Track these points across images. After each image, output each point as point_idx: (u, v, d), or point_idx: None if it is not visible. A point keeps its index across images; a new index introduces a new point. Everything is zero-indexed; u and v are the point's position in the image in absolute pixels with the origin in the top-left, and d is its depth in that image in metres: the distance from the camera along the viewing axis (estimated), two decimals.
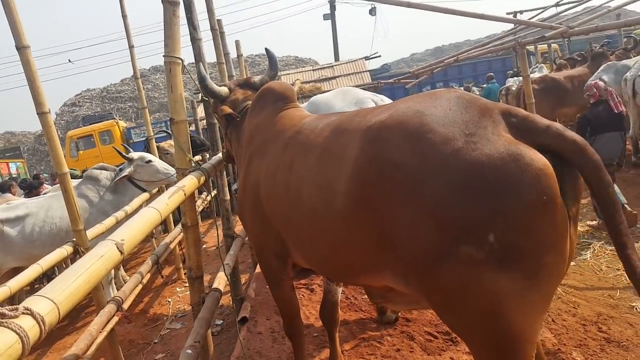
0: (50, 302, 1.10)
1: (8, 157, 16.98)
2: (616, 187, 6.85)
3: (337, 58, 16.97)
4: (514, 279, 1.36)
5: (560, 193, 1.38)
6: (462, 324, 1.56)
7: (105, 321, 3.20)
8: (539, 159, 1.37)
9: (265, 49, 3.02)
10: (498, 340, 1.45)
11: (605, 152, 5.12)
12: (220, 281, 3.03)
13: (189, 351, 2.23)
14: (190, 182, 2.33)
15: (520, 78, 10.11)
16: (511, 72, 11.77)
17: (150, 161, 4.88)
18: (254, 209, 2.34)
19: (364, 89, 9.89)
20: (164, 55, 2.47)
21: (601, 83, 5.50)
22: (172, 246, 5.10)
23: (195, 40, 3.61)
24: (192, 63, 3.19)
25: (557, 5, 10.95)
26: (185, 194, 2.18)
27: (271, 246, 2.32)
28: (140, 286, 4.21)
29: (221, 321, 4.12)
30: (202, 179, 2.57)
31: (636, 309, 3.81)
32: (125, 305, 3.65)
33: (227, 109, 2.72)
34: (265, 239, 2.35)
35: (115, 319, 3.40)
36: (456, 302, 1.49)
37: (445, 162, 1.43)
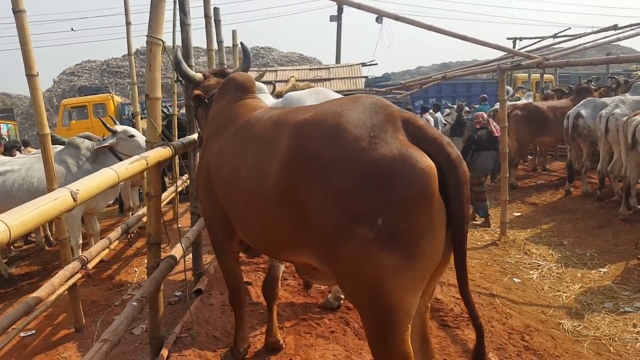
0: (3, 225, 1.36)
1: (0, 118, 17.04)
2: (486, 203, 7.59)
3: (338, 60, 17.25)
4: (394, 257, 1.67)
5: (444, 192, 1.70)
6: (354, 293, 1.88)
7: (68, 275, 3.44)
8: (423, 161, 1.67)
9: (241, 43, 3.29)
10: (379, 308, 1.76)
11: (484, 165, 7.07)
12: (177, 251, 3.28)
13: (135, 304, 2.49)
14: (154, 154, 2.58)
15: (516, 101, 10.49)
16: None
17: (132, 136, 5.11)
18: (205, 186, 2.61)
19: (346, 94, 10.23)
20: (146, 36, 2.72)
21: (484, 114, 7.30)
22: (144, 219, 5.34)
23: (184, 25, 3.87)
24: (198, 47, 3.41)
25: (554, 37, 11.33)
26: (147, 164, 2.44)
27: (217, 220, 2.59)
28: (107, 250, 4.45)
29: (180, 293, 4.37)
30: (168, 153, 2.83)
31: (562, 326, 4.12)
32: (90, 265, 3.90)
33: (196, 92, 2.99)
34: (212, 212, 2.63)
35: (78, 275, 3.65)
36: (351, 274, 1.80)
37: (351, 157, 1.74)
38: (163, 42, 2.84)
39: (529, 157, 11.06)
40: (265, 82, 10.47)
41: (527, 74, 14.24)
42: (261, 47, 35.74)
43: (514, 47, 12.03)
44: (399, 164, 1.66)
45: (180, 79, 3.11)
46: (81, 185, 1.83)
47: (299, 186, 1.87)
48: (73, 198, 1.73)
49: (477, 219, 7.56)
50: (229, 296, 2.93)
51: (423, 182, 1.65)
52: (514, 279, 5.25)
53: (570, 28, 11.86)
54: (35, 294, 3.03)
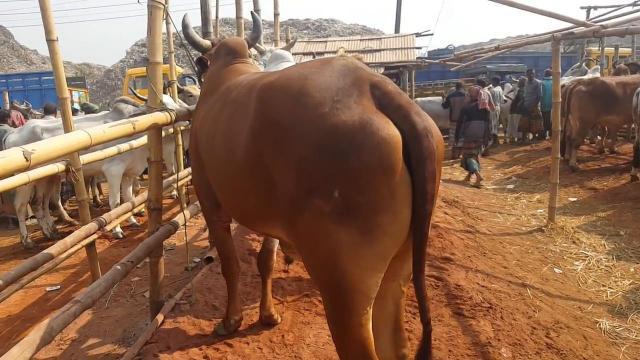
0: None
1: (73, 85, 18.10)
2: (474, 161, 8.60)
3: (397, 31, 16.57)
4: (351, 233, 1.52)
5: (411, 163, 1.51)
6: (312, 270, 1.75)
7: (83, 236, 3.52)
8: (384, 129, 1.49)
9: (251, 12, 3.13)
10: (334, 286, 1.63)
11: (474, 132, 8.56)
12: (180, 218, 3.26)
13: (118, 267, 2.48)
14: (145, 119, 2.52)
15: (582, 76, 9.58)
16: (571, 70, 11.11)
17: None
18: (194, 152, 2.53)
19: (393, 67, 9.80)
20: None
21: (476, 88, 8.83)
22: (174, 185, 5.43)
23: None
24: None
25: (634, 4, 10.09)
26: (134, 128, 2.37)
27: (203, 188, 2.51)
28: (130, 214, 4.55)
29: (198, 259, 4.41)
30: (166, 119, 2.76)
31: (599, 325, 3.72)
32: (109, 227, 4.00)
33: (201, 56, 2.88)
34: (200, 181, 2.55)
35: (95, 236, 3.75)
36: (308, 249, 1.68)
37: (311, 123, 1.58)
38: (164, 5, 2.74)
39: (598, 137, 10.13)
40: (305, 54, 10.30)
41: (599, 47, 12.91)
42: (324, 20, 35.31)
43: (587, 17, 10.90)
44: (359, 131, 1.49)
45: (184, 44, 3.01)
46: (40, 146, 1.79)
47: (264, 153, 1.76)
48: (25, 158, 1.69)
49: (470, 179, 8.86)
50: (221, 265, 2.88)
51: (382, 151, 1.47)
52: (555, 269, 4.82)
53: None
54: (46, 251, 3.14)
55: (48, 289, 4.16)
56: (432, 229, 5.08)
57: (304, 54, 9.97)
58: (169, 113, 2.78)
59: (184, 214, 3.24)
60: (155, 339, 2.84)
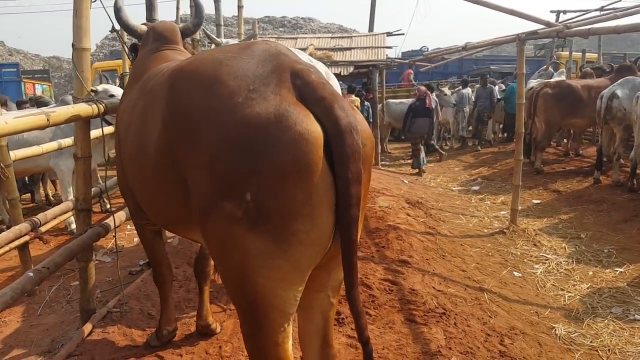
0: None
1: (37, 78, 17.45)
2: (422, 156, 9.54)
3: (371, 30, 16.48)
4: (263, 241, 1.35)
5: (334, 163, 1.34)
6: (224, 280, 1.57)
7: (12, 237, 3.25)
8: (302, 124, 1.31)
9: None
10: (246, 301, 1.46)
11: (419, 129, 9.37)
12: (118, 218, 3.03)
13: (31, 274, 2.25)
14: (63, 110, 2.29)
15: (548, 79, 9.64)
16: (538, 73, 11.21)
17: (113, 95, 4.87)
18: (116, 149, 2.31)
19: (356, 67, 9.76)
20: None
21: (423, 88, 9.74)
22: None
23: None
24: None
25: (601, 9, 10.24)
26: (47, 120, 2.15)
27: (126, 189, 2.29)
28: (69, 213, 4.27)
29: (143, 262, 4.16)
30: (92, 111, 2.53)
31: (555, 331, 3.65)
32: (44, 229, 3.72)
33: (134, 43, 2.66)
34: (121, 181, 2.33)
35: (27, 237, 3.47)
36: (220, 259, 1.51)
37: (222, 115, 1.40)
38: None
39: (564, 140, 10.23)
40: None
41: (567, 52, 13.09)
42: (301, 18, 35.14)
43: (556, 20, 11.00)
44: (273, 125, 1.31)
45: (116, 29, 2.79)
46: None
47: (176, 149, 1.55)
48: None
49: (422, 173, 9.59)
50: (152, 273, 2.67)
51: (298, 149, 1.29)
52: (514, 272, 4.76)
53: None
54: None
55: None
56: (392, 231, 4.97)
57: None
58: (97, 105, 2.55)
59: (113, 217, 2.99)
60: (79, 351, 2.62)
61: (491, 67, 16.46)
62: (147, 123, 1.76)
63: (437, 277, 4.04)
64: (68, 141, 4.28)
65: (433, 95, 10.11)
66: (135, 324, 2.91)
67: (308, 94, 1.38)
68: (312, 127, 1.32)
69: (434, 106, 9.60)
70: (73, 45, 2.54)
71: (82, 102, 2.53)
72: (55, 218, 3.89)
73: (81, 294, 2.89)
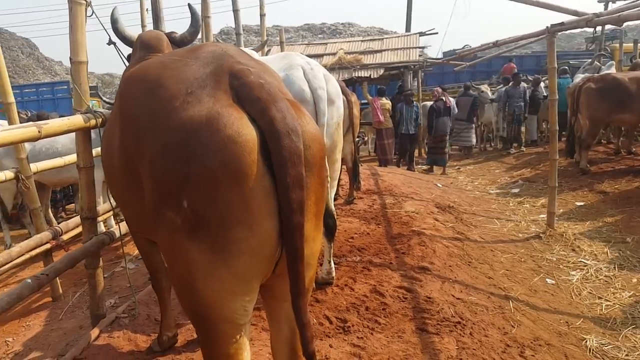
0: None
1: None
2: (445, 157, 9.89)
3: (408, 31, 16.24)
4: (202, 251, 1.31)
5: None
6: (174, 289, 1.56)
7: (33, 246, 3.40)
8: (232, 126, 1.27)
9: (188, 4, 2.94)
10: (194, 311, 1.43)
11: (441, 128, 9.66)
12: (118, 228, 3.10)
13: (29, 281, 2.32)
14: (56, 122, 2.36)
15: (595, 73, 9.08)
16: (583, 68, 10.55)
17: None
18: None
19: (392, 68, 9.57)
20: None
21: (439, 89, 10.18)
22: None
23: None
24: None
25: None
26: (39, 132, 2.22)
27: (114, 192, 2.33)
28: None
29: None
30: (88, 123, 2.60)
31: (585, 342, 3.38)
32: (66, 237, 3.87)
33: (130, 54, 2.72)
34: (110, 185, 2.37)
35: (47, 245, 3.62)
36: (168, 266, 1.49)
37: (162, 121, 1.40)
38: (87, 2, 2.60)
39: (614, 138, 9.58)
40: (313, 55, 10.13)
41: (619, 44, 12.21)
42: (341, 23, 35.15)
43: (605, 9, 10.35)
44: (204, 128, 1.28)
45: (113, 41, 2.86)
46: None
47: (130, 155, 1.56)
48: None
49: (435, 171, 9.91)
50: (150, 280, 2.70)
51: (228, 153, 1.25)
52: (547, 279, 4.47)
53: None
54: None
55: None
56: (415, 237, 4.81)
57: None
58: (95, 116, 2.62)
59: (119, 225, 3.06)
60: (84, 355, 2.68)
61: (570, 62, 15.45)
62: (113, 131, 1.78)
63: (458, 285, 3.86)
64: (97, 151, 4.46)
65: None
66: (141, 329, 2.95)
67: (244, 95, 1.34)
68: (244, 130, 1.27)
69: (453, 105, 10.04)
70: (70, 59, 2.63)
71: (79, 114, 2.60)
72: (77, 227, 4.05)
73: (91, 300, 2.97)
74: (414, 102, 9.81)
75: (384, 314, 3.29)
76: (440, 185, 8.15)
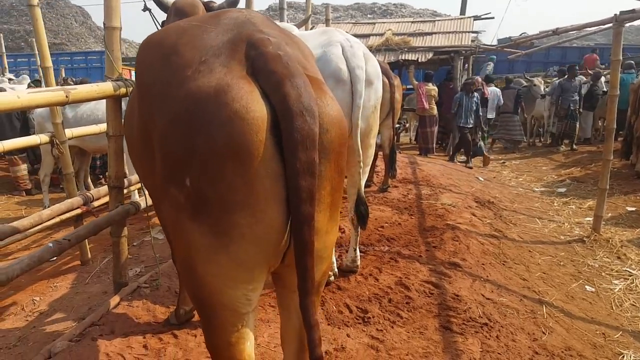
0: None
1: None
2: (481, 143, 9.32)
3: (463, 13, 15.54)
4: (203, 233, 1.23)
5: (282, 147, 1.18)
6: (178, 271, 1.48)
7: (63, 209, 3.47)
8: (241, 100, 1.16)
9: None
10: (196, 296, 1.37)
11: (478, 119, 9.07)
12: (144, 199, 3.10)
13: (51, 245, 2.35)
14: (84, 88, 2.35)
15: None
16: None
17: None
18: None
19: (443, 52, 9.11)
20: None
21: (479, 79, 9.60)
22: None
23: None
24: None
25: None
26: (66, 97, 2.21)
27: (135, 164, 2.30)
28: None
29: None
30: (118, 91, 2.57)
31: (623, 358, 3.14)
32: (97, 203, 3.93)
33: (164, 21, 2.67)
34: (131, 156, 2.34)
35: (78, 210, 3.69)
36: (173, 246, 1.47)
37: (173, 89, 1.30)
38: None
39: None
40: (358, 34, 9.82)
41: None
42: (393, 4, 34.24)
43: None
44: (211, 101, 1.18)
45: (148, 7, 2.80)
46: None
47: (146, 125, 1.49)
48: None
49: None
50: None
51: (233, 130, 1.15)
52: (586, 286, 4.20)
53: None
54: (16, 223, 3.09)
55: None
56: (449, 231, 4.62)
57: None
58: (125, 84, 2.59)
59: (145, 196, 3.06)
60: (102, 322, 2.71)
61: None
62: (133, 99, 1.73)
63: (489, 284, 3.67)
64: None
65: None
66: (161, 300, 2.96)
67: (259, 67, 1.22)
68: (253, 105, 1.16)
69: (493, 97, 9.83)
70: (104, 24, 2.60)
71: (110, 81, 2.58)
72: (107, 194, 4.11)
73: (114, 268, 3.00)
74: (474, 92, 9.01)
75: (407, 308, 3.17)
76: (482, 179, 7.84)
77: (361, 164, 2.96)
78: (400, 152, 8.98)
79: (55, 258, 4.30)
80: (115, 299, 2.85)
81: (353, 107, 2.84)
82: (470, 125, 8.95)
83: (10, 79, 9.47)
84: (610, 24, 4.72)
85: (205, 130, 1.17)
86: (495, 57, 14.18)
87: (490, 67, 13.69)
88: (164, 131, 1.28)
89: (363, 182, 3.22)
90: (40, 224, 3.21)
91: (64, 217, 3.46)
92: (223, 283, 1.28)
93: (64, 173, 3.74)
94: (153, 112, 1.39)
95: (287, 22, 5.41)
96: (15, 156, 7.13)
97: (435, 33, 9.59)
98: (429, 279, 3.59)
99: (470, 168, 8.99)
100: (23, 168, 7.29)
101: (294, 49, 1.36)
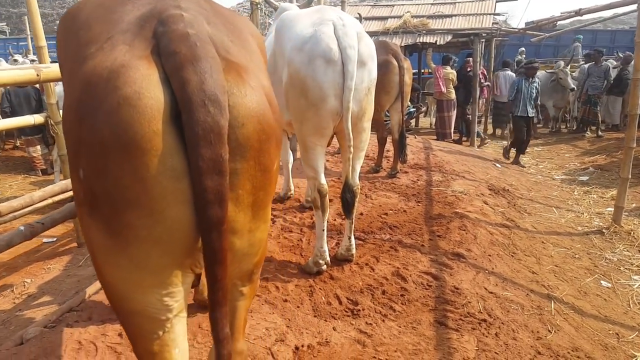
0: None
1: None
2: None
3: None
4: (100, 232, 1.10)
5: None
6: None
7: (57, 191, 3.41)
8: (134, 84, 1.01)
9: None
10: (110, 301, 1.23)
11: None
12: None
13: (22, 228, 2.27)
14: (57, 68, 2.23)
15: None
16: None
17: None
18: None
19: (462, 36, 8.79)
20: None
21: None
22: None
23: None
24: None
25: None
26: (37, 76, 2.10)
27: None
28: None
29: None
30: None
31: None
32: None
33: None
34: None
35: (71, 192, 3.64)
36: None
37: (75, 70, 1.15)
38: None
39: None
40: (367, 19, 9.51)
41: None
42: None
43: None
44: (102, 84, 1.03)
45: None
46: None
47: None
48: None
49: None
50: None
51: (121, 118, 1.00)
52: (602, 281, 3.94)
53: None
54: (6, 203, 3.05)
55: (45, 240, 4.19)
56: (457, 219, 4.41)
57: (367, 18, 9.25)
58: None
59: None
60: (80, 307, 2.64)
61: None
62: None
63: (494, 277, 3.48)
64: None
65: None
66: None
67: (164, 47, 1.06)
68: (148, 92, 1.01)
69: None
70: None
71: None
72: None
73: None
74: (534, 77, 7.66)
75: (402, 301, 3.01)
76: (500, 166, 7.54)
77: (351, 149, 2.78)
78: (416, 137, 8.72)
79: (54, 239, 4.29)
80: (96, 285, 2.78)
81: (344, 88, 2.67)
82: (531, 115, 7.71)
83: (15, 61, 9.56)
84: (635, 4, 4.37)
85: (92, 117, 1.02)
86: (581, 37, 13.60)
87: (521, 53, 13.26)
88: (64, 115, 1.17)
89: (357, 168, 3.05)
90: (31, 205, 3.16)
91: (56, 198, 3.41)
92: (129, 288, 1.15)
93: (59, 154, 3.68)
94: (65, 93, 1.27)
95: (291, 1, 5.20)
96: (31, 136, 7.22)
97: (455, 15, 9.20)
98: (428, 270, 3.41)
99: (523, 167, 7.93)
100: (39, 149, 7.38)
101: (218, 28, 1.19)
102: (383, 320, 2.80)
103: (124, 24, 1.12)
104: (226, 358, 1.13)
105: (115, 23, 1.14)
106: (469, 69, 9.27)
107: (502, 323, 2.90)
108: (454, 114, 9.21)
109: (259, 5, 4.86)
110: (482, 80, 9.65)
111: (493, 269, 3.61)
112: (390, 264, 3.43)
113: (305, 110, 2.75)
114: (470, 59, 9.25)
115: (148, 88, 1.01)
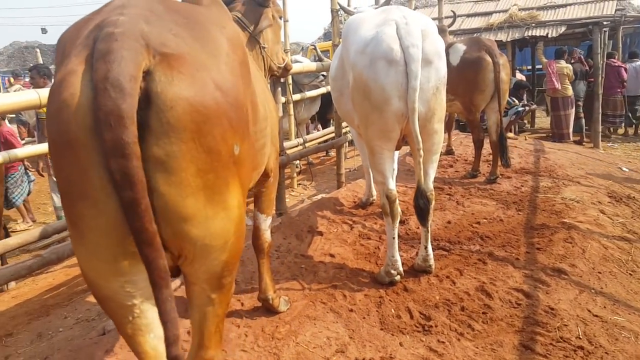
0: None
1: None
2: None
3: None
4: (69, 225, 1.27)
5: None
6: None
7: None
8: (70, 87, 1.14)
9: None
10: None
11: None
12: None
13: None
14: None
15: None
16: None
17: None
18: None
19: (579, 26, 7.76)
20: None
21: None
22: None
23: None
24: None
25: None
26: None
27: None
28: None
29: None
30: None
31: None
32: None
33: None
34: None
35: None
36: None
37: None
38: None
39: None
40: (469, 15, 8.91)
41: None
42: None
43: None
44: (54, 92, 1.20)
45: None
46: None
47: None
48: None
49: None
50: None
51: (63, 119, 1.14)
52: None
53: None
54: None
55: None
56: (563, 230, 3.91)
57: (469, 15, 8.72)
58: None
59: None
60: None
61: None
62: None
63: (601, 298, 3.00)
64: None
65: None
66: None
67: (95, 49, 1.15)
68: (81, 92, 1.12)
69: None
70: None
71: None
72: None
73: None
74: None
75: (483, 319, 2.72)
76: (627, 169, 6.57)
77: (421, 152, 2.59)
78: (526, 139, 8.00)
79: None
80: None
81: (408, 89, 2.52)
82: None
83: None
84: None
85: (49, 120, 1.20)
86: None
87: None
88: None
89: (429, 172, 2.85)
90: None
91: None
92: (95, 275, 1.26)
93: None
94: None
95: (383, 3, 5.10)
96: None
97: (569, 4, 8.25)
98: (520, 286, 3.05)
99: None
100: None
101: (162, 25, 1.24)
102: (458, 339, 2.55)
103: (81, 38, 1.24)
104: (172, 340, 1.13)
105: (77, 39, 1.26)
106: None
107: (606, 352, 2.48)
108: (571, 112, 8.27)
109: (339, 12, 4.86)
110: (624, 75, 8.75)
111: (602, 288, 3.12)
112: (475, 278, 3.14)
113: (369, 113, 2.64)
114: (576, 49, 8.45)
115: (80, 89, 1.12)
